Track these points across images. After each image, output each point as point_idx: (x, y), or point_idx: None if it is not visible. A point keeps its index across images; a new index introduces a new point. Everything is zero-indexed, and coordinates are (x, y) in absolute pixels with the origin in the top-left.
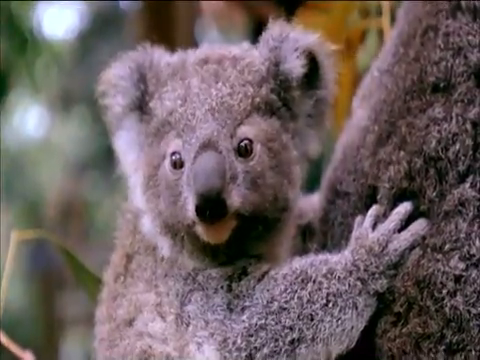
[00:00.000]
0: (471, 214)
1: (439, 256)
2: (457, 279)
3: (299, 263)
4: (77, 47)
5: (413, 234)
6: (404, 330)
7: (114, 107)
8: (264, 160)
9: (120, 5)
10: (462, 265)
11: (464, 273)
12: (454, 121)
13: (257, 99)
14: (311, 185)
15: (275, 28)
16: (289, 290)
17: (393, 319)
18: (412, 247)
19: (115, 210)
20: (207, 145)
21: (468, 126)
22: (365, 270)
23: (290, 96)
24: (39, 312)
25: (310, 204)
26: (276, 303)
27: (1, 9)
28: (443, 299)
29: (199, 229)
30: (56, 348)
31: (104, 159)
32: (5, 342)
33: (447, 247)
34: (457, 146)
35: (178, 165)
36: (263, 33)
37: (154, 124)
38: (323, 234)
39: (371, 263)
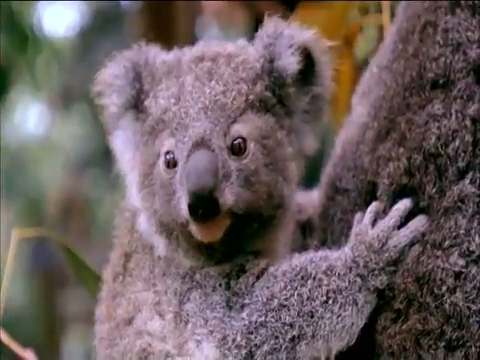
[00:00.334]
0: (471, 210)
1: (439, 253)
2: (457, 275)
3: (299, 260)
4: (78, 45)
5: (413, 231)
6: (404, 327)
7: (110, 107)
8: (258, 158)
9: (121, 3)
10: (462, 261)
11: (464, 269)
12: (453, 117)
13: (251, 96)
14: (311, 181)
15: (270, 25)
16: (289, 287)
17: (393, 316)
18: (412, 244)
19: (116, 208)
20: (200, 144)
21: (467, 122)
22: (365, 266)
23: (285, 93)
24: (40, 310)
25: (310, 200)
26: (276, 300)
27: (1, 6)
28: (443, 296)
29: (193, 228)
30: (57, 346)
31: (105, 156)
32: (6, 340)
33: (447, 243)
34: (457, 142)
35: (171, 164)
36: (259, 30)
37: (149, 122)
38: (323, 230)
39: (371, 259)
